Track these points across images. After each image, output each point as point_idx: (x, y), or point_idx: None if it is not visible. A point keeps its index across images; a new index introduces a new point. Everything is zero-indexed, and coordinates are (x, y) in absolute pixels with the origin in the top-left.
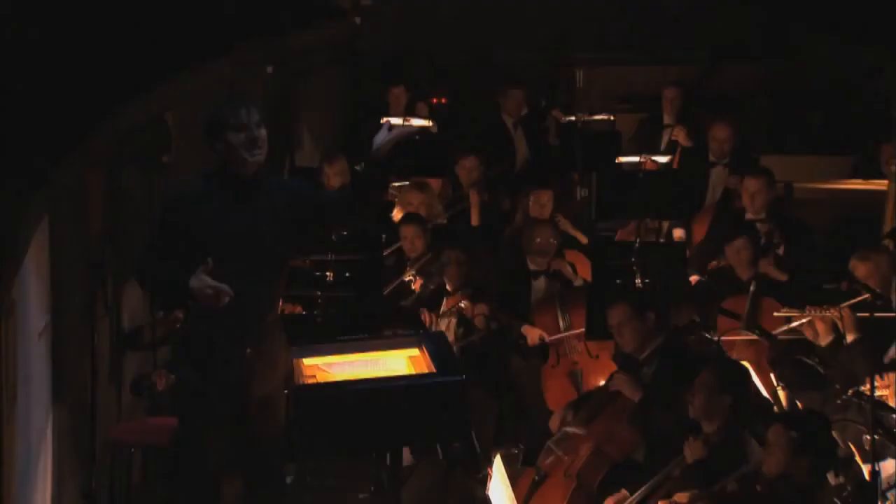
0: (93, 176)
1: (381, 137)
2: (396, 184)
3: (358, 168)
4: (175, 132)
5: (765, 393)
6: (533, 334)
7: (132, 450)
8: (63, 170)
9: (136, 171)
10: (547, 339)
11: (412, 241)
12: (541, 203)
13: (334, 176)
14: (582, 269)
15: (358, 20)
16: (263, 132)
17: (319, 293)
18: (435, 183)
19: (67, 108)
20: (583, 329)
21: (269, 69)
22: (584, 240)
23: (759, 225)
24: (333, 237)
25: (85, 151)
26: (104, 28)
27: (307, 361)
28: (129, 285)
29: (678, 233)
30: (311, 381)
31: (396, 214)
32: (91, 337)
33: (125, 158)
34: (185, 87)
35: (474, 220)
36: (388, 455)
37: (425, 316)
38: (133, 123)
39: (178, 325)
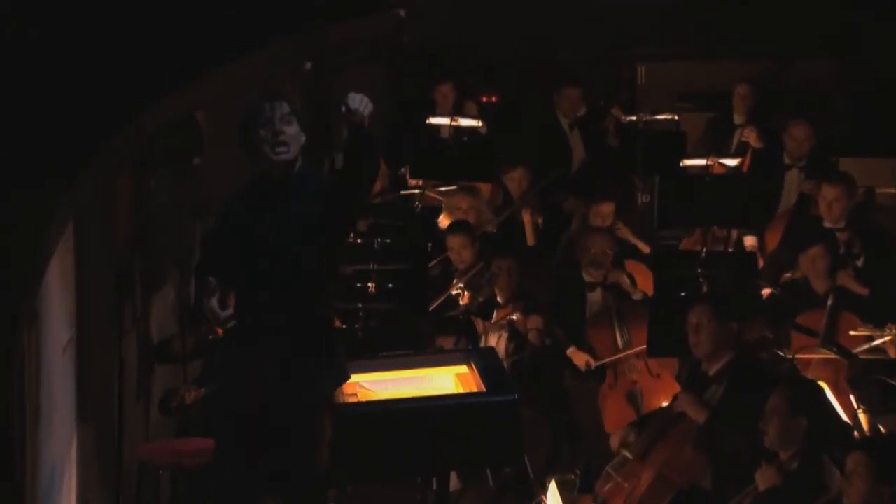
0: (120, 179)
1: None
2: (443, 188)
3: (401, 171)
4: (206, 133)
5: (844, 416)
6: (580, 359)
7: (160, 472)
8: (88, 172)
9: (166, 175)
10: (594, 364)
11: (459, 252)
12: (602, 215)
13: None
14: (643, 282)
15: (402, 12)
16: (292, 129)
17: (360, 305)
18: (485, 188)
19: (92, 107)
20: (643, 347)
21: (307, 66)
22: (645, 249)
23: (837, 233)
24: (376, 245)
25: (111, 153)
26: (130, 22)
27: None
28: (159, 295)
29: (749, 241)
30: (351, 399)
31: (443, 221)
32: (118, 351)
33: (154, 161)
34: (217, 84)
35: (530, 240)
36: (434, 480)
37: (478, 323)
38: (161, 123)
39: (210, 337)
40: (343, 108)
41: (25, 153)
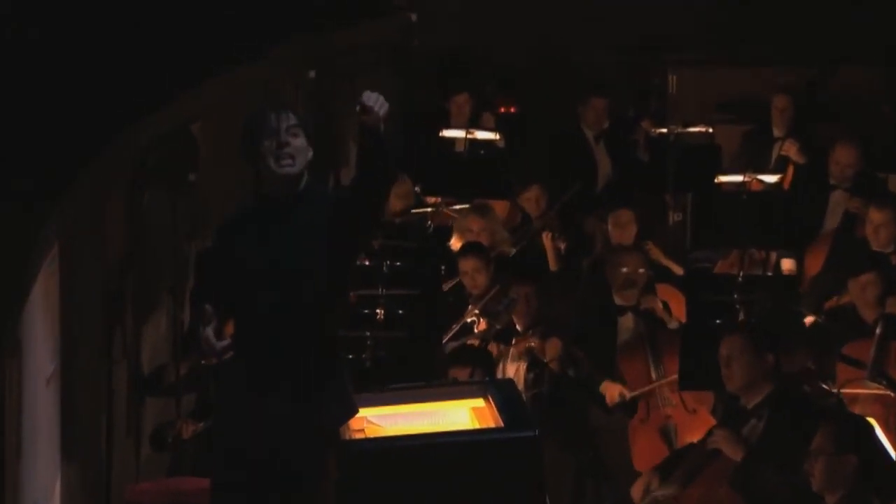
0: (110, 197)
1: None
2: (459, 206)
3: (417, 190)
4: (203, 146)
5: (895, 456)
6: (612, 391)
7: None
8: (76, 189)
9: (160, 191)
10: (627, 396)
11: (473, 276)
12: (620, 224)
13: (396, 200)
14: (677, 308)
15: (413, 15)
16: (299, 141)
17: (368, 334)
18: (501, 206)
19: (80, 119)
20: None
21: (311, 74)
22: (678, 271)
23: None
24: (385, 268)
25: (101, 169)
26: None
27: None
28: (151, 322)
29: (789, 265)
30: (358, 435)
31: (454, 243)
32: (107, 382)
33: (147, 176)
34: (214, 94)
35: (552, 265)
36: None
37: (495, 352)
38: (155, 135)
39: (205, 366)
40: (357, 108)
41: (5, 166)
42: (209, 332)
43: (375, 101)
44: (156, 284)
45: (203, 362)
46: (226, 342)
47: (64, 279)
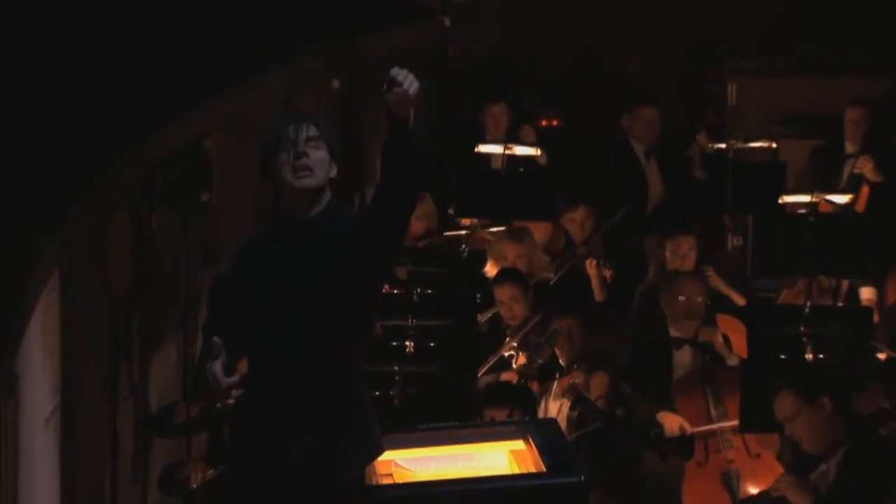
0: (115, 220)
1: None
2: (495, 229)
3: (451, 212)
4: (217, 163)
5: None
6: (672, 422)
7: None
8: (78, 212)
9: (170, 214)
10: (689, 430)
11: (510, 305)
12: (680, 253)
13: (417, 221)
14: (739, 342)
15: (447, 20)
16: (319, 154)
17: (396, 368)
18: (543, 229)
19: (84, 135)
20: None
21: (335, 84)
22: (739, 301)
23: None
24: (415, 296)
25: (104, 189)
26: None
27: (382, 456)
28: (160, 357)
29: (865, 294)
30: (386, 480)
31: (489, 270)
32: (112, 422)
33: (155, 197)
34: (230, 107)
35: (597, 295)
36: None
37: (536, 389)
38: (165, 153)
39: (218, 406)
40: (384, 86)
41: (2, 189)
42: (217, 367)
43: (405, 78)
44: (165, 315)
45: (215, 404)
46: (235, 379)
47: (65, 310)
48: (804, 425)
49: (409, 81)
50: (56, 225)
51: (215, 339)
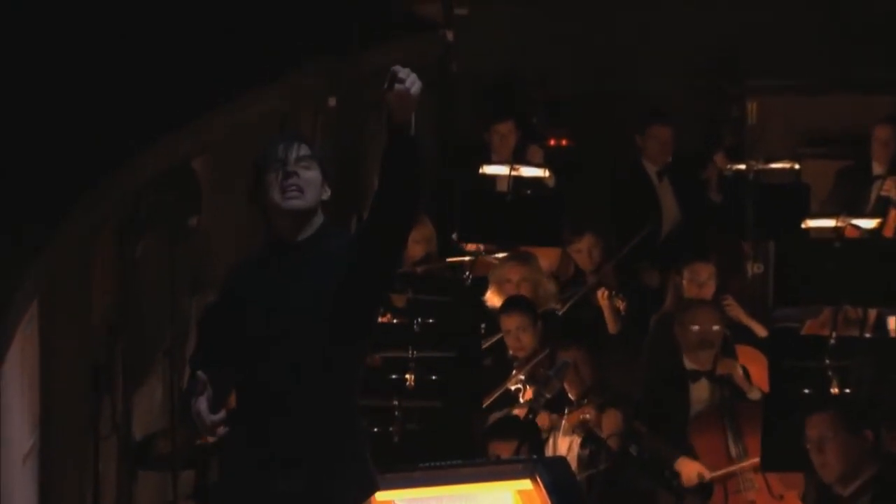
0: (98, 246)
1: None
2: (498, 255)
3: (454, 237)
4: (206, 186)
5: None
6: (689, 471)
7: None
8: (58, 238)
9: (155, 239)
10: (708, 476)
11: (517, 335)
12: (699, 281)
13: (415, 244)
14: (758, 375)
15: (450, 34)
16: (310, 174)
17: (396, 403)
18: (551, 255)
19: (66, 157)
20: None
21: (332, 101)
22: (760, 332)
23: None
24: (415, 326)
25: (88, 212)
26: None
27: (381, 496)
28: (144, 392)
29: (893, 324)
30: None
31: (490, 297)
32: (94, 460)
33: (140, 222)
34: (221, 127)
35: (610, 328)
36: None
37: (544, 419)
38: (150, 175)
39: (202, 442)
40: (385, 84)
41: None
42: (202, 403)
43: (408, 76)
44: (150, 347)
45: (198, 442)
46: (221, 416)
47: (44, 342)
48: (837, 455)
49: (411, 80)
50: (33, 253)
51: (199, 373)
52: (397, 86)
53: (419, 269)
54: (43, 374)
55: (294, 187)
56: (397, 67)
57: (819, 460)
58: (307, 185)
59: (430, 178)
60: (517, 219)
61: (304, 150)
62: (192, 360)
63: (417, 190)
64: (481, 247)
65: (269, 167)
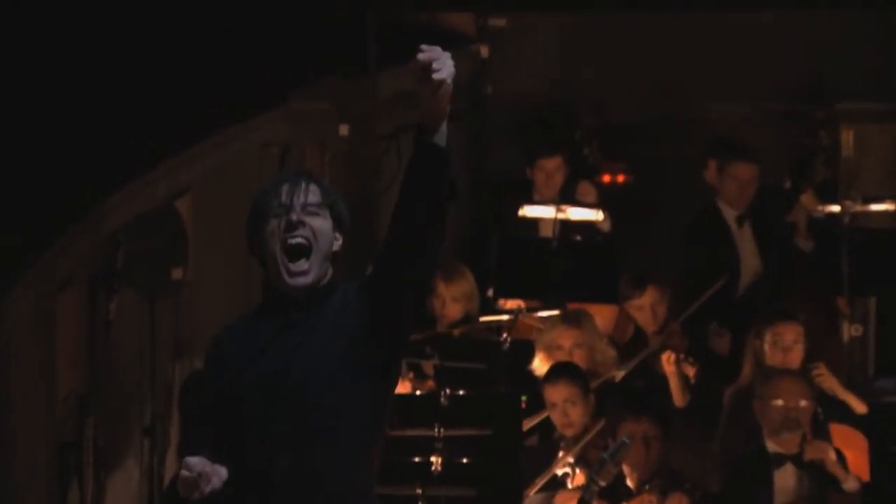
0: (65, 304)
1: None
2: (542, 314)
3: (489, 293)
4: (193, 233)
5: None
6: None
7: None
8: (18, 294)
9: (133, 295)
10: None
11: (565, 410)
12: (783, 346)
13: (453, 302)
14: (856, 460)
15: (484, 49)
16: (320, 223)
17: (420, 492)
18: (607, 313)
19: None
20: None
21: (344, 130)
22: (859, 407)
23: None
24: (443, 399)
25: (52, 264)
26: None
27: None
28: (119, 476)
29: None
30: None
31: (538, 366)
32: None
33: (115, 276)
34: (210, 162)
35: (677, 400)
36: None
37: None
38: (126, 219)
39: None
40: (412, 65)
41: None
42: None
43: (439, 56)
44: (126, 423)
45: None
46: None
47: (2, 417)
48: None
49: (441, 61)
50: None
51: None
52: (435, 76)
53: (455, 332)
54: (1, 455)
55: (299, 237)
56: (424, 47)
57: None
58: (319, 235)
59: (460, 219)
60: (564, 270)
61: (314, 196)
62: (180, 448)
63: (444, 202)
64: (522, 304)
65: (271, 213)
